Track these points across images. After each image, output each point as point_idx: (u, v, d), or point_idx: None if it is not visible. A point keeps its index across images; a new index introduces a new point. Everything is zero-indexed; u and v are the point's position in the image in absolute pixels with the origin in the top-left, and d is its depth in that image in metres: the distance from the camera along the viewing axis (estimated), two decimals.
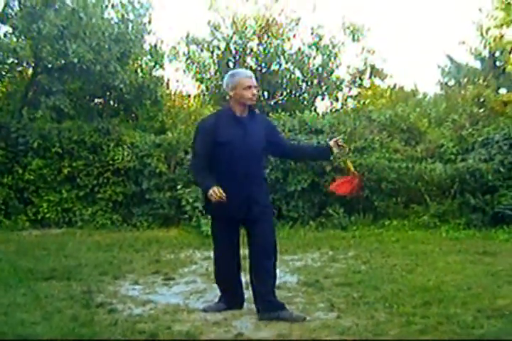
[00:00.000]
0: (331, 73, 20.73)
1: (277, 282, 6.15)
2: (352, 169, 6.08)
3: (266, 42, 19.95)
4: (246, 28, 20.00)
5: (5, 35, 13.22)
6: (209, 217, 6.88)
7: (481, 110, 15.69)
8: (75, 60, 12.44)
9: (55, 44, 12.44)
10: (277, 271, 6.07)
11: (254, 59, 20.10)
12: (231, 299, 6.15)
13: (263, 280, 5.85)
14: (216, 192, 5.45)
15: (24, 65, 14.01)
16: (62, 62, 13.12)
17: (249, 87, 5.75)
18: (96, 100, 15.61)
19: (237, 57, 20.13)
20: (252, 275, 5.96)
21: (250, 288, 6.02)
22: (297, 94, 20.96)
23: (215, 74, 20.30)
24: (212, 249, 6.23)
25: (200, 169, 5.85)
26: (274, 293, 5.88)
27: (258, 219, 5.85)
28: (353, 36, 20.83)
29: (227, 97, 6.07)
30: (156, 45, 15.40)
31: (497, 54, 24.29)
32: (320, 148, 7.33)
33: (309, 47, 20.48)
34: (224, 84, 5.98)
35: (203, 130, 5.93)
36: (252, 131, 5.82)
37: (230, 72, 6.05)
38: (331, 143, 6.10)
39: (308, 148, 7.83)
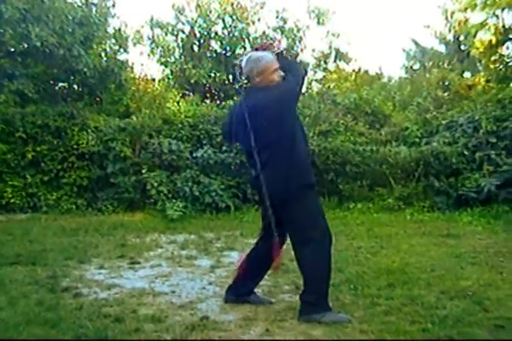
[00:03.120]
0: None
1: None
2: None
3: (230, 25, 19.90)
4: (210, 12, 19.94)
5: None
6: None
7: (446, 93, 15.88)
8: (38, 44, 12.28)
9: (18, 28, 12.27)
10: None
11: (218, 42, 20.05)
12: None
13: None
14: None
15: None
16: (25, 46, 12.95)
17: (276, 70, 5.34)
18: (60, 84, 15.45)
19: (202, 41, 20.08)
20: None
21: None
22: None
23: (180, 57, 20.23)
24: (320, 232, 5.24)
25: None
26: None
27: None
28: (318, 20, 20.90)
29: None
30: (120, 29, 15.29)
31: (461, 38, 24.39)
32: None
33: (274, 30, 20.49)
34: (247, 69, 5.36)
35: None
36: None
37: (252, 57, 5.39)
38: None
39: None
